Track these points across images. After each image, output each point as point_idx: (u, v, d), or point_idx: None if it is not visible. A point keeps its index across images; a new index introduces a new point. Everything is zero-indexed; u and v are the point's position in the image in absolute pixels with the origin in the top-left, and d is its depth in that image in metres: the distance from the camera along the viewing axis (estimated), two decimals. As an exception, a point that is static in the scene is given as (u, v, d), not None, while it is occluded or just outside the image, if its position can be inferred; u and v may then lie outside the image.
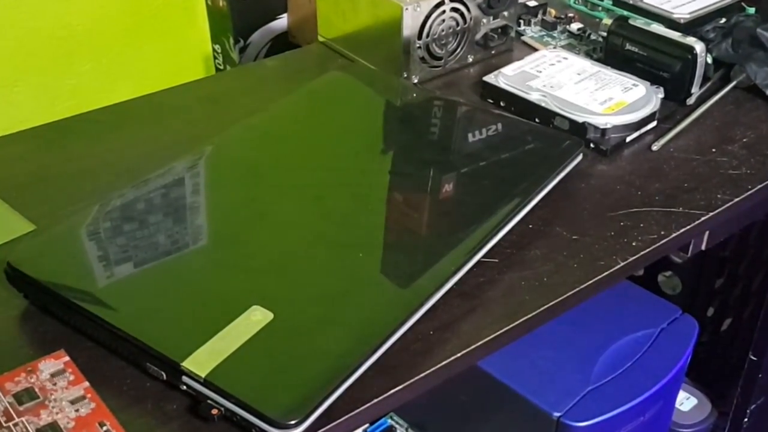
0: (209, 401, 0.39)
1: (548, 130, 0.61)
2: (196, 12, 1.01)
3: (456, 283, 0.47)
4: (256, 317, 0.42)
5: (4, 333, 0.45)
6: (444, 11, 0.66)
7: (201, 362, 0.39)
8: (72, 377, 0.40)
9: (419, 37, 0.66)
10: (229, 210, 0.52)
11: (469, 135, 0.60)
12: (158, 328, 0.42)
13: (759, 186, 0.58)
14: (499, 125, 0.60)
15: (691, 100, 0.64)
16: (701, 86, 0.65)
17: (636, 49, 0.65)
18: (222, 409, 0.39)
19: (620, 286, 0.69)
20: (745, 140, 0.62)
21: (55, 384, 0.40)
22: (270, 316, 0.42)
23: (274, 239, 0.49)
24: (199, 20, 1.00)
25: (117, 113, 0.66)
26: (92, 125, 0.65)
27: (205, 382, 0.39)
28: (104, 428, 0.38)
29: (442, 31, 0.67)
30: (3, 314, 0.46)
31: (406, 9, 0.63)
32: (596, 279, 0.50)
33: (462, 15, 0.67)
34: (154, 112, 0.67)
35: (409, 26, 0.65)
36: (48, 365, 0.41)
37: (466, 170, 0.57)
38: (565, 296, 0.49)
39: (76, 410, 0.38)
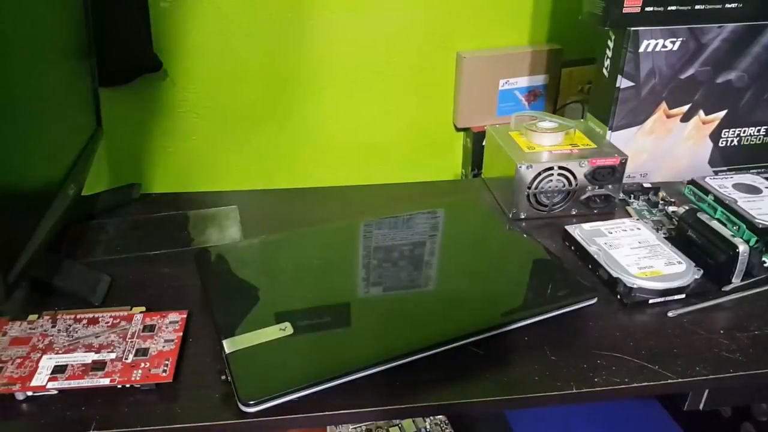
0: (227, 369, 0.62)
1: (573, 277, 0.76)
2: (454, 147, 1.36)
3: (436, 354, 0.65)
4: (282, 328, 0.67)
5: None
6: (552, 174, 0.88)
7: (234, 342, 0.64)
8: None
9: (528, 187, 0.89)
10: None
11: (520, 263, 0.78)
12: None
13: (741, 372, 0.66)
14: (552, 269, 0.77)
15: (728, 288, 0.77)
16: (743, 279, 0.77)
17: (695, 236, 0.81)
18: (229, 377, 0.62)
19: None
20: (756, 333, 0.71)
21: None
22: (291, 331, 0.66)
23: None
24: (455, 153, 1.36)
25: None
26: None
27: (227, 357, 0.64)
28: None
29: (550, 187, 0.89)
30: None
31: (520, 166, 0.88)
32: (545, 395, 0.63)
33: (568, 179, 0.89)
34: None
35: (522, 179, 0.88)
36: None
37: (501, 284, 0.75)
38: (510, 397, 0.63)
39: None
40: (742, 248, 0.77)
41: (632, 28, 0.95)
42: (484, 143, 1.08)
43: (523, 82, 1.26)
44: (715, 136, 1.05)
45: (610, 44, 0.99)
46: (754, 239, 0.84)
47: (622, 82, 0.98)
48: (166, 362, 0.66)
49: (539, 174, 0.89)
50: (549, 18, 1.30)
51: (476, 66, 1.22)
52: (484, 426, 1.04)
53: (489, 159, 1.03)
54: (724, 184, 0.94)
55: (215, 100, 1.22)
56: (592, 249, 0.82)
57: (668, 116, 1.01)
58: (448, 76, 1.29)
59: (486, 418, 1.05)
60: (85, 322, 0.72)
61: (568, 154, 0.92)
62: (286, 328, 0.67)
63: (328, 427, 1.02)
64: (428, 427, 1.01)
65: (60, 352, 0.67)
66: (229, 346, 0.65)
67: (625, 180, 0.95)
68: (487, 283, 0.76)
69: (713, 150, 1.06)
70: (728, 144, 1.05)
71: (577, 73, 1.30)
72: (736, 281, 0.79)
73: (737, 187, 0.93)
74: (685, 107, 1.02)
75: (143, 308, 0.74)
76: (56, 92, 0.80)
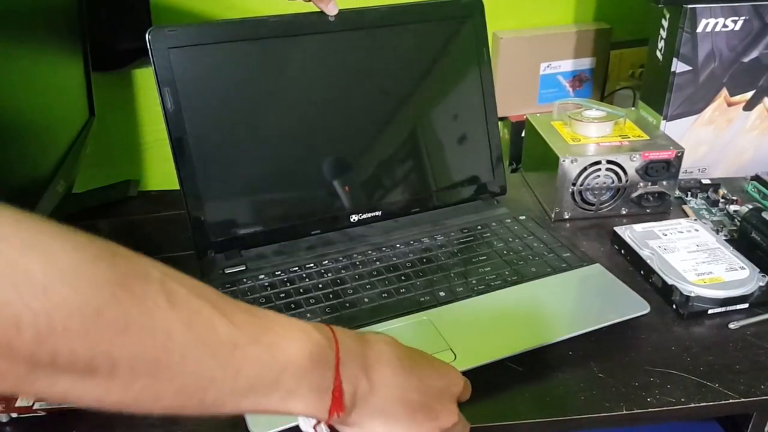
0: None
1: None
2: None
3: (471, 370, 0.64)
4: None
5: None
6: (600, 169, 0.89)
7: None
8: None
9: (573, 183, 0.90)
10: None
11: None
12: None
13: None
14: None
15: (797, 297, 0.75)
16: (816, 287, 0.76)
17: (759, 239, 0.81)
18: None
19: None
20: (829, 347, 0.69)
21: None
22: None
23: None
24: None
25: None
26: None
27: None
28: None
29: (597, 184, 0.89)
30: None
31: (563, 160, 0.89)
32: (592, 416, 0.63)
33: (618, 175, 0.89)
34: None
35: (565, 174, 0.89)
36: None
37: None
38: (553, 419, 0.63)
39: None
40: (814, 252, 0.77)
41: (689, 6, 0.95)
42: (523, 134, 1.08)
43: (567, 65, 1.26)
44: (782, 126, 1.03)
45: (665, 23, 0.99)
46: (826, 242, 0.83)
47: (678, 66, 0.98)
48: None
49: (585, 169, 0.90)
50: (596, -6, 1.30)
51: (515, 48, 1.22)
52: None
53: (529, 152, 1.03)
54: (793, 180, 0.93)
55: (221, 87, 1.23)
56: (644, 253, 0.82)
57: (729, 104, 1.01)
58: (482, 60, 1.29)
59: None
60: (78, 332, 0.71)
61: (618, 146, 0.92)
62: None
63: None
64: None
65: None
66: None
67: (681, 176, 0.95)
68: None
69: (780, 142, 1.04)
70: (798, 135, 1.04)
71: (628, 56, 1.30)
72: (807, 290, 0.78)
73: (808, 183, 0.92)
74: (749, 94, 1.01)
75: (142, 317, 0.74)
76: (44, 77, 0.81)
